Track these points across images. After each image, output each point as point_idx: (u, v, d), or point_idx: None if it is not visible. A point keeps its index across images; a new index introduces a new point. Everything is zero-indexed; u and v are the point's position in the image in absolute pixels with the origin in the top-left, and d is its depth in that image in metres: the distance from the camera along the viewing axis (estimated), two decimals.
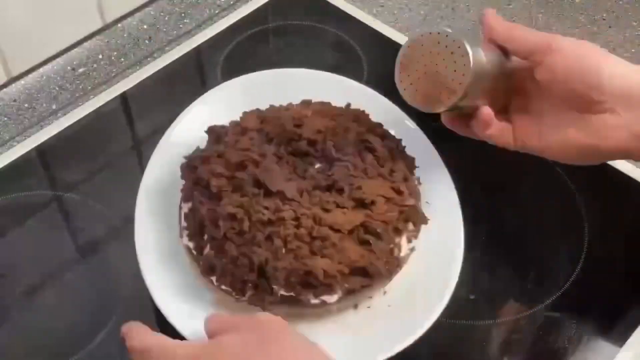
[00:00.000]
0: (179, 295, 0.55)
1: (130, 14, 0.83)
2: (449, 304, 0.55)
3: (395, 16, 0.85)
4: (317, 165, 0.57)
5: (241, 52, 0.81)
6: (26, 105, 0.76)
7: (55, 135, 0.72)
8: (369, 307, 0.56)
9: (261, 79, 0.69)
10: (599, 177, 0.69)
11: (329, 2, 0.85)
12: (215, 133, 0.60)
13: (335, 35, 0.82)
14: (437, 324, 0.54)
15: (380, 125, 0.61)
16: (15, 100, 0.76)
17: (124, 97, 0.76)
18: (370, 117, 0.62)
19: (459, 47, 0.50)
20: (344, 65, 0.78)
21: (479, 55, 0.51)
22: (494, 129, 0.54)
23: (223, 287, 0.54)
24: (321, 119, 0.60)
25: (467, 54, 0.50)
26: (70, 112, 0.75)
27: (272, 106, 0.63)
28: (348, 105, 0.63)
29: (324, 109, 0.62)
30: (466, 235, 0.58)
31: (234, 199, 0.54)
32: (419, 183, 0.61)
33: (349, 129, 0.59)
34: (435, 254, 0.58)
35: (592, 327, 0.60)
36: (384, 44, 0.81)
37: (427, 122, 0.67)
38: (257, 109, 0.63)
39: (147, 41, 0.82)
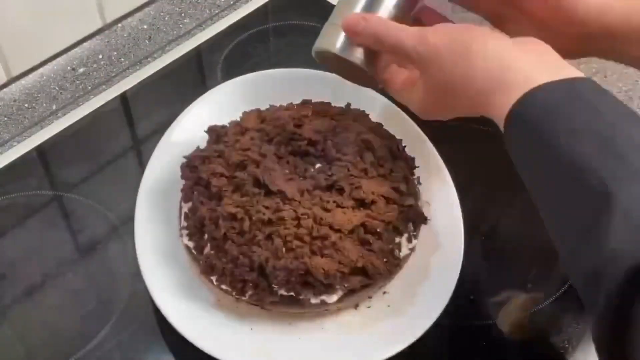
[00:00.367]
0: (179, 295, 0.55)
1: (130, 14, 0.83)
2: (449, 304, 0.55)
3: None
4: (317, 165, 0.57)
5: (241, 52, 0.81)
6: (26, 105, 0.76)
7: (55, 135, 0.72)
8: (369, 307, 0.56)
9: (261, 79, 0.69)
10: None
11: (329, 2, 0.85)
12: (215, 133, 0.60)
13: None
14: (437, 324, 0.54)
15: (380, 125, 0.61)
16: (15, 100, 0.76)
17: (124, 97, 0.76)
18: (370, 117, 0.62)
19: None
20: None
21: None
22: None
23: (223, 286, 0.54)
24: (321, 119, 0.60)
25: None
26: (70, 112, 0.75)
27: (272, 106, 0.63)
28: (348, 105, 0.63)
29: (324, 109, 0.62)
30: (466, 235, 0.58)
31: (234, 198, 0.54)
32: (419, 183, 0.61)
33: (349, 129, 0.59)
34: (435, 254, 0.58)
35: (592, 327, 0.59)
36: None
37: (427, 122, 0.67)
38: (257, 109, 0.63)
39: (147, 41, 0.82)
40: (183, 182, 0.58)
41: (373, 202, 0.54)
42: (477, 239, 0.63)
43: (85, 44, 0.81)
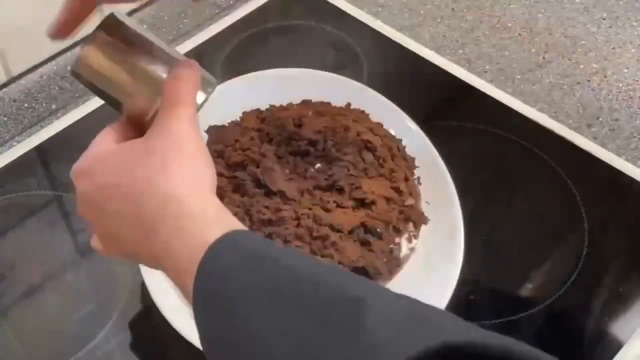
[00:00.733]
0: (179, 295, 0.55)
1: (130, 14, 0.83)
2: (449, 304, 0.55)
3: (395, 16, 0.85)
4: (317, 165, 0.57)
5: (241, 52, 0.81)
6: (26, 105, 0.76)
7: (55, 135, 0.72)
8: None
9: (261, 79, 0.69)
10: (599, 177, 0.69)
11: (329, 2, 0.85)
12: (215, 133, 0.60)
13: (335, 35, 0.82)
14: None
15: (380, 125, 0.61)
16: (15, 100, 0.76)
17: None
18: (370, 117, 0.62)
19: None
20: (344, 65, 0.78)
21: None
22: None
23: None
24: (321, 119, 0.60)
25: None
26: (70, 112, 0.75)
27: (272, 106, 0.63)
28: (348, 105, 0.63)
29: (324, 109, 0.62)
30: (466, 235, 0.58)
31: (235, 198, 0.54)
32: (419, 183, 0.61)
33: (349, 129, 0.59)
34: (435, 254, 0.58)
35: (592, 327, 0.60)
36: (384, 44, 0.81)
37: (427, 122, 0.67)
38: (257, 109, 0.63)
39: None
40: None
41: (373, 202, 0.55)
42: (477, 239, 0.63)
43: None
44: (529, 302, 0.61)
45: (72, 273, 0.63)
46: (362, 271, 0.53)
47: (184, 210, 0.39)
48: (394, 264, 0.55)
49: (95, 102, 0.75)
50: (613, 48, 0.81)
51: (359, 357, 0.30)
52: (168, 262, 0.39)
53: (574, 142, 0.72)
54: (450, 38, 0.82)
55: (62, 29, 0.49)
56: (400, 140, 0.61)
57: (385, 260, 0.54)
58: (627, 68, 0.79)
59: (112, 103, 0.47)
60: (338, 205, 0.54)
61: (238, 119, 0.62)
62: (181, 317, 0.54)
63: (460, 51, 0.81)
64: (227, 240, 0.37)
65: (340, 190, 0.55)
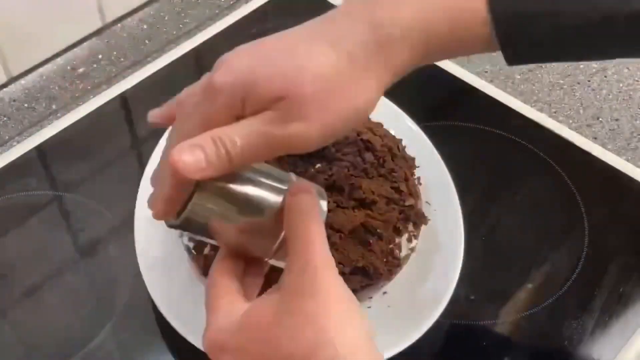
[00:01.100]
0: (179, 295, 0.55)
1: (130, 14, 0.83)
2: (449, 304, 0.55)
3: None
4: (317, 165, 0.57)
5: None
6: (26, 105, 0.76)
7: (55, 135, 0.72)
8: (369, 307, 0.56)
9: None
10: (599, 177, 0.69)
11: (329, 2, 0.85)
12: None
13: None
14: (437, 324, 0.54)
15: (380, 125, 0.61)
16: (15, 100, 0.76)
17: (123, 97, 0.76)
18: (371, 117, 0.62)
19: None
20: None
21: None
22: None
23: None
24: None
25: None
26: (70, 112, 0.75)
27: None
28: None
29: None
30: (466, 235, 0.58)
31: None
32: (419, 183, 0.61)
33: None
34: (435, 254, 0.58)
35: (592, 327, 0.60)
36: None
37: (427, 122, 0.67)
38: None
39: (147, 41, 0.82)
40: None
41: (373, 202, 0.54)
42: (477, 239, 0.63)
43: (85, 44, 0.81)
44: (529, 302, 0.61)
45: (72, 273, 0.63)
46: (362, 271, 0.53)
47: None
48: (394, 264, 0.55)
49: (95, 102, 0.75)
50: None
51: None
52: None
53: (574, 142, 0.72)
54: None
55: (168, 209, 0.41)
56: (400, 140, 0.61)
57: (385, 260, 0.54)
58: (627, 68, 0.79)
59: (224, 244, 0.43)
60: (338, 205, 0.54)
61: None
62: (182, 317, 0.54)
63: None
64: None
65: (340, 190, 0.55)
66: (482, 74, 0.78)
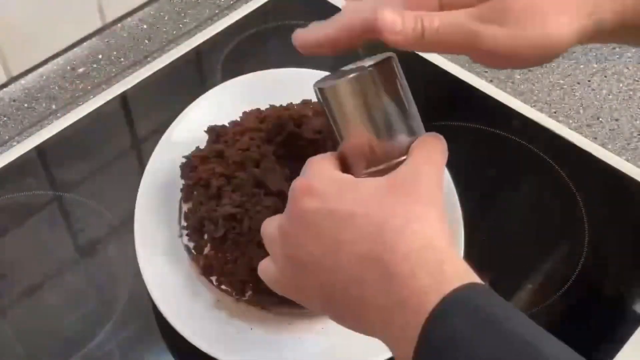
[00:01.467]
0: (179, 295, 0.55)
1: (130, 14, 0.83)
2: None
3: None
4: None
5: (241, 52, 0.81)
6: (26, 105, 0.76)
7: (55, 135, 0.72)
8: None
9: (261, 79, 0.69)
10: (599, 177, 0.69)
11: (329, 2, 0.85)
12: (215, 133, 0.60)
13: None
14: None
15: None
16: (15, 100, 0.76)
17: (124, 97, 0.76)
18: None
19: None
20: (344, 66, 0.78)
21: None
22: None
23: (223, 287, 0.54)
24: (321, 119, 0.60)
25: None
26: (70, 112, 0.75)
27: (272, 106, 0.63)
28: None
29: None
30: (466, 235, 0.58)
31: (234, 198, 0.54)
32: None
33: None
34: None
35: (592, 327, 0.60)
36: (383, 43, 0.81)
37: (427, 122, 0.67)
38: (257, 109, 0.63)
39: (147, 41, 0.82)
40: (183, 182, 0.58)
41: None
42: (477, 239, 0.63)
43: (85, 44, 0.81)
44: (529, 302, 0.61)
45: (72, 273, 0.63)
46: None
47: (429, 256, 0.36)
48: None
49: (95, 102, 0.75)
50: (613, 48, 0.81)
51: None
52: (391, 319, 0.36)
53: (574, 142, 0.72)
54: None
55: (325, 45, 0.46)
56: None
57: None
58: (627, 68, 0.79)
59: (340, 136, 0.44)
60: None
61: (238, 119, 0.61)
62: (182, 317, 0.54)
63: None
64: (458, 298, 0.35)
65: None
66: (482, 74, 0.78)
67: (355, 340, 0.54)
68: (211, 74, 0.79)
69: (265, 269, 0.42)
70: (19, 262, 0.63)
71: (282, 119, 0.59)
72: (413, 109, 0.44)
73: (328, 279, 0.38)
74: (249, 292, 0.53)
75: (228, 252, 0.52)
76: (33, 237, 0.65)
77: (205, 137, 0.61)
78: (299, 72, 0.70)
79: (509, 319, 0.36)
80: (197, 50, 0.81)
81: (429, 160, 0.40)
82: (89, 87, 0.78)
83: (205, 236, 0.54)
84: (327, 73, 0.69)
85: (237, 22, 0.83)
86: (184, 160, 0.59)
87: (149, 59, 0.81)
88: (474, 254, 0.60)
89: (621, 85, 0.78)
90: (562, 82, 0.78)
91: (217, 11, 0.86)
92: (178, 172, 0.58)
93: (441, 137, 0.43)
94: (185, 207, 0.57)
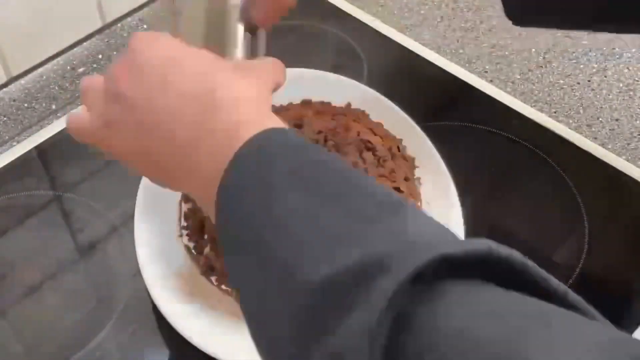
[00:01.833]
0: (179, 295, 0.55)
1: (130, 14, 0.83)
2: None
3: (395, 16, 0.85)
4: None
5: None
6: (26, 105, 0.76)
7: (55, 135, 0.72)
8: None
9: None
10: (599, 177, 0.69)
11: (329, 2, 0.85)
12: None
13: (335, 35, 0.82)
14: None
15: (380, 125, 0.61)
16: (15, 100, 0.76)
17: None
18: (370, 117, 0.62)
19: None
20: (344, 65, 0.78)
21: None
22: None
23: (223, 286, 0.54)
24: (321, 119, 0.60)
25: None
26: (70, 112, 0.75)
27: (272, 106, 0.63)
28: (348, 105, 0.63)
29: (324, 109, 0.62)
30: (466, 235, 0.58)
31: None
32: (419, 183, 0.61)
33: (349, 129, 0.59)
34: None
35: None
36: (384, 44, 0.81)
37: (427, 122, 0.67)
38: None
39: None
40: None
41: None
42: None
43: (85, 43, 0.81)
44: None
45: (72, 273, 0.63)
46: None
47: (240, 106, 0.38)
48: None
49: None
50: (613, 48, 0.81)
51: (394, 250, 0.29)
52: (203, 144, 0.37)
53: (574, 142, 0.72)
54: (450, 38, 0.82)
55: None
56: (400, 140, 0.61)
57: None
58: (627, 68, 0.79)
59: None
60: None
61: None
62: (182, 317, 0.54)
63: (461, 51, 0.81)
64: (273, 130, 0.37)
65: None
66: (482, 74, 0.78)
67: None
68: None
69: (77, 118, 0.44)
70: (19, 262, 0.63)
71: (282, 119, 0.59)
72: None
73: (148, 118, 0.39)
74: None
75: None
76: (33, 237, 0.65)
77: None
78: (299, 72, 0.70)
79: (319, 153, 0.37)
80: None
81: (266, 70, 0.44)
82: None
83: (205, 236, 0.54)
84: (321, 72, 0.69)
85: None
86: None
87: None
88: None
89: (621, 85, 0.78)
90: (562, 82, 0.78)
91: None
92: None
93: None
94: (185, 207, 0.57)
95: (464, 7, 0.86)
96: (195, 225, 0.55)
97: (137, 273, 0.56)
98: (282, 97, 0.64)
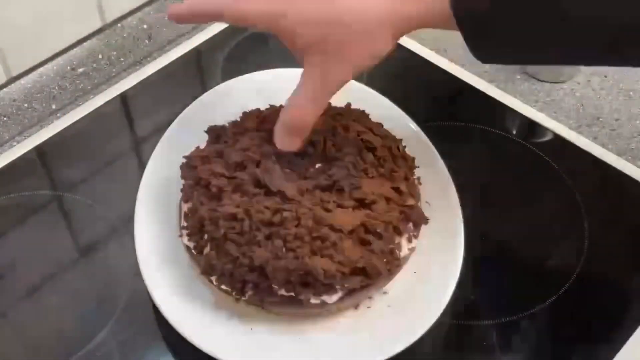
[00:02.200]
0: (179, 295, 0.55)
1: (130, 14, 0.83)
2: (449, 304, 0.55)
3: None
4: (317, 165, 0.57)
5: (241, 52, 0.81)
6: (26, 105, 0.76)
7: (55, 135, 0.72)
8: (369, 307, 0.56)
9: (261, 79, 0.69)
10: (599, 177, 0.69)
11: None
12: (215, 133, 0.60)
13: None
14: (437, 324, 0.54)
15: (380, 125, 0.61)
16: (15, 100, 0.76)
17: (124, 97, 0.76)
18: (370, 117, 0.62)
19: None
20: None
21: None
22: None
23: (223, 286, 0.54)
24: (321, 119, 0.60)
25: None
26: (70, 112, 0.75)
27: (272, 106, 0.63)
28: (348, 105, 0.63)
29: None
30: (466, 235, 0.58)
31: (234, 199, 0.54)
32: (419, 183, 0.61)
33: (349, 129, 0.59)
34: (435, 253, 0.58)
35: (592, 327, 0.60)
36: None
37: (427, 122, 0.67)
38: (257, 109, 0.63)
39: (147, 41, 0.82)
40: (183, 182, 0.58)
41: (373, 202, 0.54)
42: (477, 239, 0.63)
43: (85, 44, 0.81)
44: (529, 302, 0.61)
45: (72, 273, 0.63)
46: (362, 271, 0.53)
47: None
48: (394, 264, 0.55)
49: (95, 102, 0.75)
50: None
51: None
52: None
53: (574, 142, 0.72)
54: (450, 38, 0.82)
55: (184, 18, 0.54)
56: (400, 140, 0.61)
57: (385, 260, 0.54)
58: (627, 68, 0.79)
59: None
60: (338, 205, 0.54)
61: (238, 119, 0.62)
62: (182, 317, 0.54)
63: (461, 51, 0.80)
64: None
65: (340, 190, 0.55)
66: (482, 74, 0.78)
67: (355, 341, 0.55)
68: (211, 74, 0.79)
69: None
70: (19, 262, 0.63)
71: None
72: None
73: None
74: (249, 292, 0.53)
75: (228, 252, 0.52)
76: (33, 237, 0.65)
77: (205, 137, 0.61)
78: (299, 72, 0.69)
79: None
80: (197, 50, 0.81)
81: None
82: (89, 87, 0.78)
83: (205, 236, 0.54)
84: None
85: None
86: (184, 160, 0.59)
87: (149, 59, 0.81)
88: (474, 254, 0.60)
89: (621, 85, 0.78)
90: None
91: None
92: (178, 172, 0.58)
93: None
94: (185, 207, 0.57)
95: None
96: (195, 226, 0.55)
97: (137, 273, 0.56)
98: (282, 97, 0.64)
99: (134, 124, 0.75)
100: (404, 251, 0.56)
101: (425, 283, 0.57)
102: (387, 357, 0.53)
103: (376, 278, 0.54)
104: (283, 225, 0.52)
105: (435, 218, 0.59)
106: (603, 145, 0.72)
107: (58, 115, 0.75)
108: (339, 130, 0.59)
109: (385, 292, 0.57)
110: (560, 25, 0.43)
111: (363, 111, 0.63)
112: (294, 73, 0.69)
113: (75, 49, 0.80)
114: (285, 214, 0.52)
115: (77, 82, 0.78)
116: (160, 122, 0.68)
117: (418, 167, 0.61)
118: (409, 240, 0.57)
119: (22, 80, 0.77)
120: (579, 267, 0.62)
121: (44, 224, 0.66)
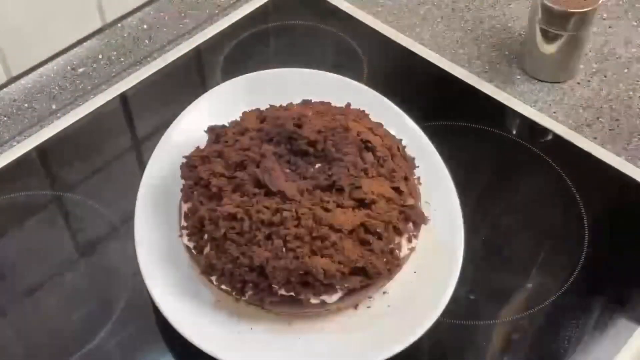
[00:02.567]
0: (179, 295, 0.55)
1: (130, 14, 0.83)
2: (449, 304, 0.55)
3: (395, 16, 0.85)
4: (317, 165, 0.57)
5: (241, 52, 0.81)
6: (26, 105, 0.76)
7: (55, 135, 0.72)
8: (369, 307, 0.56)
9: (261, 79, 0.69)
10: (599, 177, 0.69)
11: (329, 2, 0.85)
12: (215, 133, 0.60)
13: (335, 35, 0.82)
14: (437, 324, 0.54)
15: (380, 125, 0.61)
16: (15, 100, 0.76)
17: (124, 97, 0.76)
18: (370, 117, 0.62)
19: None
20: (344, 65, 0.78)
21: None
22: None
23: (223, 286, 0.54)
24: (321, 119, 0.60)
25: None
26: (70, 112, 0.75)
27: (272, 106, 0.63)
28: (348, 105, 0.63)
29: (324, 109, 0.62)
30: (466, 235, 0.58)
31: (234, 198, 0.54)
32: (419, 183, 0.61)
33: (349, 129, 0.59)
34: (435, 254, 0.58)
35: (592, 327, 0.60)
36: (384, 44, 0.81)
37: (427, 122, 0.67)
38: (257, 109, 0.63)
39: (147, 41, 0.82)
40: (183, 182, 0.58)
41: (373, 202, 0.54)
42: (477, 239, 0.63)
43: (85, 43, 0.81)
44: (529, 302, 0.61)
45: (72, 273, 0.63)
46: (362, 271, 0.53)
47: None
48: (394, 264, 0.55)
49: (95, 102, 0.75)
50: (613, 47, 0.81)
51: None
52: None
53: (574, 142, 0.72)
54: (450, 38, 0.82)
55: None
56: (400, 140, 0.61)
57: (385, 260, 0.54)
58: (627, 68, 0.79)
59: None
60: (338, 205, 0.54)
61: (238, 119, 0.62)
62: (182, 317, 0.54)
63: (461, 51, 0.81)
64: None
65: (340, 190, 0.55)
66: (482, 74, 0.78)
67: (355, 341, 0.55)
68: (211, 74, 0.79)
69: None
70: (19, 262, 0.63)
71: (282, 119, 0.59)
72: None
73: None
74: (249, 292, 0.53)
75: (228, 252, 0.52)
76: (33, 237, 0.65)
77: (205, 137, 0.61)
78: (299, 72, 0.70)
79: None
80: (197, 50, 0.81)
81: None
82: (89, 87, 0.78)
83: (205, 236, 0.54)
84: (321, 72, 0.70)
85: (237, 22, 0.84)
86: (184, 160, 0.59)
87: (149, 59, 0.81)
88: (474, 254, 0.60)
89: (621, 85, 0.78)
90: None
91: (217, 11, 0.86)
92: (178, 172, 0.58)
93: None
94: (185, 207, 0.57)
95: (464, 7, 0.86)
96: (195, 226, 0.55)
97: (137, 273, 0.56)
98: (282, 97, 0.64)
99: (134, 124, 0.76)
100: (404, 251, 0.56)
101: (425, 283, 0.57)
102: (386, 357, 0.53)
103: (376, 278, 0.54)
104: (283, 225, 0.52)
105: (435, 218, 0.59)
106: (603, 145, 0.72)
107: (58, 115, 0.75)
108: (339, 130, 0.59)
109: (385, 292, 0.57)
110: None
111: (363, 111, 0.63)
112: (294, 73, 0.70)
113: (75, 49, 0.80)
114: (285, 214, 0.52)
115: (77, 82, 0.78)
116: (160, 122, 0.68)
117: (418, 167, 0.61)
118: (409, 240, 0.57)
119: (22, 80, 0.77)
120: (579, 267, 0.62)
121: (44, 224, 0.66)
